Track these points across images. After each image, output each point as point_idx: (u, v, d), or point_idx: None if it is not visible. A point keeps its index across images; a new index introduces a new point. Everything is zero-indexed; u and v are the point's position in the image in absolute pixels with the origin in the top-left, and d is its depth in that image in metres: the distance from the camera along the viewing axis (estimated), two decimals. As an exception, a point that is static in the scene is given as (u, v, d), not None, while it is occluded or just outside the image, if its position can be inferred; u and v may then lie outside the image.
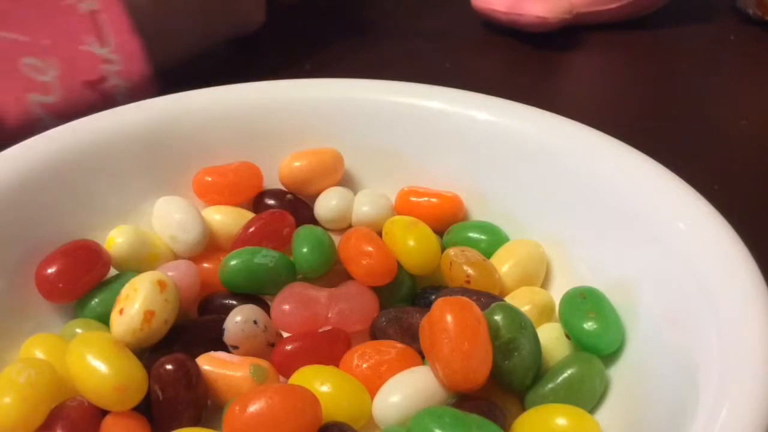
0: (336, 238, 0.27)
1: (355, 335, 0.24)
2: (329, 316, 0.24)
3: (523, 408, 0.22)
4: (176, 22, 0.38)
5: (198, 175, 0.29)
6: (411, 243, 0.26)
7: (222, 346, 0.24)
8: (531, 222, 0.27)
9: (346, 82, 0.31)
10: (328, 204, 0.29)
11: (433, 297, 0.25)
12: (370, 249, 0.25)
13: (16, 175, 0.26)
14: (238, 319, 0.23)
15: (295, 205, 0.29)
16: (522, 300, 0.24)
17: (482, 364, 0.21)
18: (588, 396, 0.22)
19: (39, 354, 0.23)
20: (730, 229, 0.22)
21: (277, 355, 0.23)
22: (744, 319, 0.19)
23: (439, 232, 0.27)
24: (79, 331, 0.24)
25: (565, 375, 0.22)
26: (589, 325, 0.23)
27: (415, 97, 0.29)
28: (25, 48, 0.33)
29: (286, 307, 0.24)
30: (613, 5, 0.48)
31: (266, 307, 0.25)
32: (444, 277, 0.26)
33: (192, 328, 0.24)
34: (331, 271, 0.26)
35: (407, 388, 0.21)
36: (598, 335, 0.22)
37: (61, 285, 0.24)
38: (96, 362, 0.21)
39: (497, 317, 0.22)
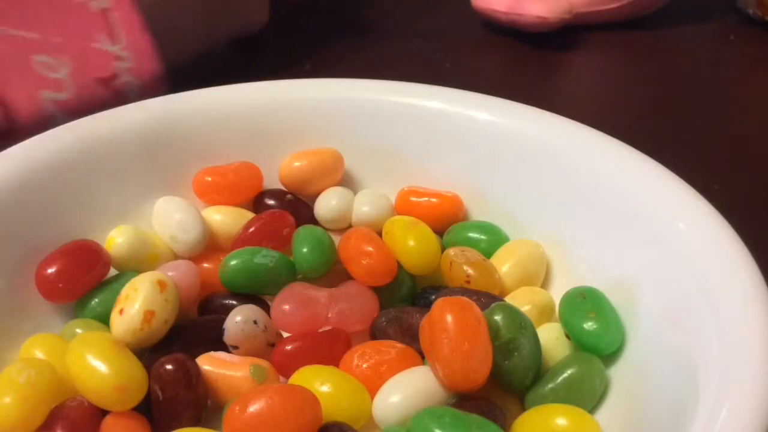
0: (336, 238, 0.27)
1: (355, 335, 0.24)
2: (329, 316, 0.24)
3: (523, 408, 0.22)
4: (183, 21, 0.39)
5: (198, 175, 0.29)
6: (411, 243, 0.26)
7: (222, 346, 0.24)
8: (531, 222, 0.27)
9: (346, 82, 0.31)
10: (328, 204, 0.29)
11: (433, 297, 0.25)
12: (370, 249, 0.25)
13: (16, 175, 0.26)
14: (238, 319, 0.23)
15: (295, 205, 0.29)
16: (522, 300, 0.24)
17: (482, 364, 0.21)
18: (588, 396, 0.22)
19: (39, 354, 0.23)
20: (730, 229, 0.22)
21: (277, 355, 0.23)
22: (744, 319, 0.19)
23: (439, 232, 0.27)
24: (79, 331, 0.24)
25: (565, 375, 0.22)
26: (589, 325, 0.23)
27: (415, 97, 0.29)
28: (36, 46, 0.34)
29: (286, 307, 0.24)
30: (613, 5, 0.48)
31: (266, 307, 0.25)
32: (444, 277, 0.26)
33: (192, 328, 0.24)
34: (331, 271, 0.26)
35: (407, 388, 0.21)
36: (598, 335, 0.22)
37: (61, 285, 0.24)
38: (96, 362, 0.21)
39: (497, 317, 0.22)
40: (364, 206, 0.28)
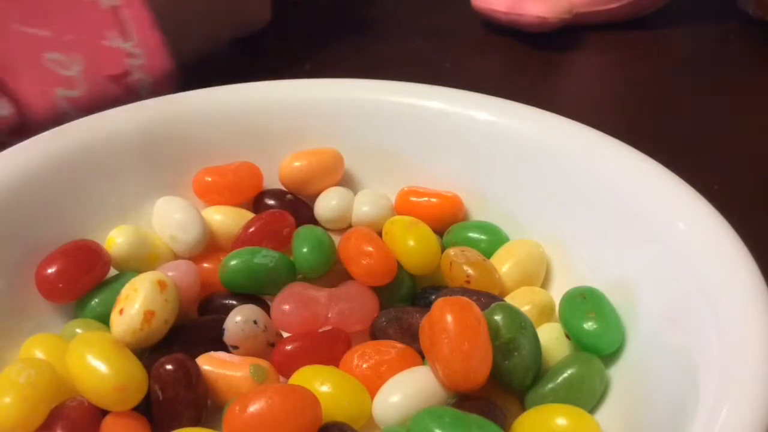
0: (336, 238, 0.27)
1: (355, 335, 0.24)
2: (329, 316, 0.24)
3: (523, 408, 0.22)
4: (191, 19, 0.39)
5: (198, 175, 0.29)
6: (411, 243, 0.26)
7: (222, 346, 0.24)
8: (531, 222, 0.27)
9: (346, 82, 0.31)
10: (328, 204, 0.29)
11: (433, 297, 0.25)
12: (370, 249, 0.25)
13: (16, 175, 0.26)
14: (238, 319, 0.23)
15: (295, 205, 0.29)
16: (522, 300, 0.24)
17: (482, 364, 0.21)
18: (588, 396, 0.22)
19: (39, 354, 0.23)
20: (730, 229, 0.22)
21: (277, 355, 0.23)
22: (744, 319, 0.19)
23: (439, 232, 0.27)
24: (79, 331, 0.24)
25: (565, 375, 0.22)
26: (589, 325, 0.23)
27: (415, 97, 0.29)
28: (48, 43, 0.34)
29: (286, 307, 0.24)
30: (613, 5, 0.48)
31: (266, 307, 0.25)
32: (444, 277, 0.26)
33: (192, 328, 0.24)
34: (331, 271, 0.26)
35: (407, 388, 0.21)
36: (598, 335, 0.22)
37: (61, 285, 0.24)
38: (96, 362, 0.21)
39: (497, 317, 0.22)
40: (364, 206, 0.28)
